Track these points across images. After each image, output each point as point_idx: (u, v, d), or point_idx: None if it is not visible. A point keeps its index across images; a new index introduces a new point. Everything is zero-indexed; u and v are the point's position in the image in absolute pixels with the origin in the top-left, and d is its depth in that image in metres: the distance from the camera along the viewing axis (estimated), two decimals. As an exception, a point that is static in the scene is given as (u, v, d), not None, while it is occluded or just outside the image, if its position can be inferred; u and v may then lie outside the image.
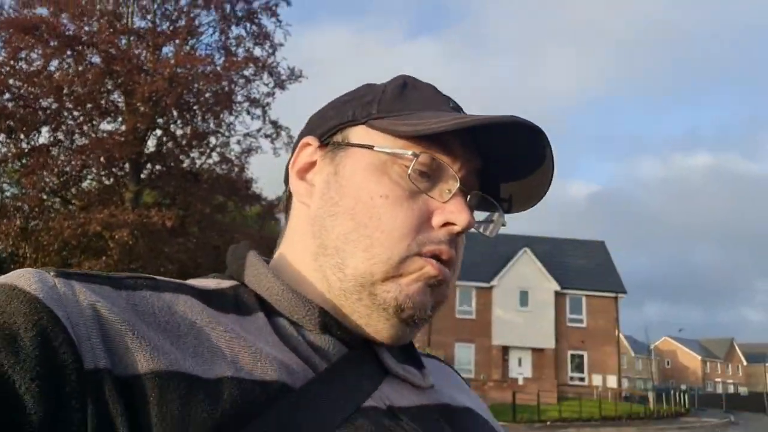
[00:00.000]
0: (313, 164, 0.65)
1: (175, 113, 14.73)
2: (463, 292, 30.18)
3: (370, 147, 0.60)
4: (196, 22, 15.59)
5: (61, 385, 0.43)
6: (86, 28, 13.84)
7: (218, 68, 14.94)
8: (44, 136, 14.12)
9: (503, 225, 0.66)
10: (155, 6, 15.35)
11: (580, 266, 30.89)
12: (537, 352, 29.63)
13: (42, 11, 13.70)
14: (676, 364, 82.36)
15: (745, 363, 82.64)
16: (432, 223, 0.59)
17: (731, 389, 70.82)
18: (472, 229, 0.63)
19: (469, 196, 0.61)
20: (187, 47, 15.37)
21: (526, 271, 29.68)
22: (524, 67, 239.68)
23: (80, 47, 13.38)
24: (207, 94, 14.68)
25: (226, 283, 0.61)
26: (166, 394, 0.45)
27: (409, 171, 0.58)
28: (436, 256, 0.58)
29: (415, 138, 0.58)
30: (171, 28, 15.37)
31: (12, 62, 12.95)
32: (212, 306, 0.55)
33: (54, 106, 13.85)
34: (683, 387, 56.23)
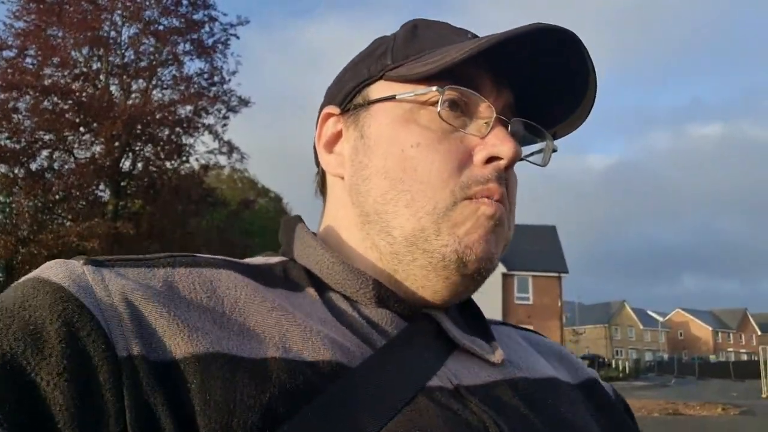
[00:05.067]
0: (338, 134, 0.61)
1: (139, 143, 18.15)
2: (420, 276, 33.10)
3: (391, 98, 0.56)
4: (158, 59, 18.86)
5: (92, 376, 0.40)
6: (61, 79, 17.26)
7: (175, 99, 18.28)
8: (38, 162, 17.60)
9: (554, 151, 0.61)
10: (123, 49, 18.67)
11: (528, 250, 33.70)
12: None
13: (29, 61, 17.14)
14: (688, 335, 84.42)
15: (759, 333, 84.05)
16: (474, 161, 0.54)
17: (744, 358, 72.56)
18: (524, 161, 0.58)
19: (509, 126, 0.55)
20: (154, 81, 18.74)
21: (476, 256, 32.74)
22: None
23: (56, 96, 16.83)
24: (164, 127, 18.02)
25: (274, 259, 0.59)
26: (208, 378, 0.42)
27: (438, 108, 0.53)
28: (486, 198, 0.53)
29: (438, 74, 0.53)
30: (136, 66, 18.69)
31: (4, 107, 16.38)
32: (258, 281, 0.52)
33: (47, 137, 17.31)
34: (662, 356, 58.47)
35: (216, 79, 19.15)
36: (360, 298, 0.55)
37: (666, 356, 67.16)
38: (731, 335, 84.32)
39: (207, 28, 19.04)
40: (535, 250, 33.91)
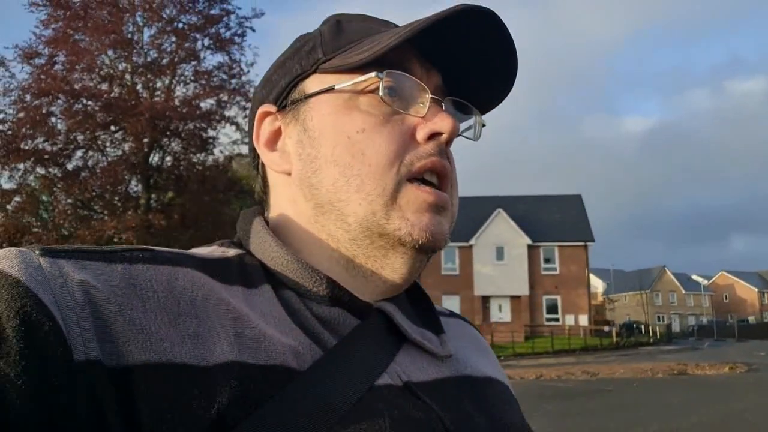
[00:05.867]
0: (278, 132, 0.62)
1: (165, 138, 19.08)
2: (447, 251, 33.74)
3: (330, 89, 0.58)
4: (179, 56, 19.68)
5: (49, 379, 0.39)
6: (90, 82, 18.22)
7: (197, 94, 19.10)
8: (73, 162, 18.69)
9: (483, 125, 0.65)
10: (146, 49, 19.53)
11: (554, 220, 34.01)
12: (514, 299, 33.42)
13: (58, 67, 18.13)
14: (733, 298, 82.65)
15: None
16: (418, 138, 0.57)
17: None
18: (460, 137, 0.62)
19: (443, 105, 0.59)
20: (176, 78, 19.58)
21: (501, 230, 33.17)
22: (546, 17, 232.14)
23: (84, 99, 17.82)
24: (187, 122, 18.90)
25: (231, 252, 0.58)
26: (157, 388, 0.42)
27: (380, 93, 0.56)
28: (429, 171, 0.57)
29: (372, 62, 0.55)
30: (158, 64, 19.54)
31: (39, 112, 17.43)
32: (216, 278, 0.52)
33: (80, 138, 18.37)
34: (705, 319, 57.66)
35: (235, 71, 19.81)
36: (313, 296, 0.56)
37: (705, 320, 66.10)
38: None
39: (223, 22, 19.67)
40: (560, 220, 34.11)
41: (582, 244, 33.38)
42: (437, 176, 0.58)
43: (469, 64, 0.61)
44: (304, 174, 0.59)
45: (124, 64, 19.21)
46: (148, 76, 19.10)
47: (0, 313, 0.40)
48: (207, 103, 19.14)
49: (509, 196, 36.54)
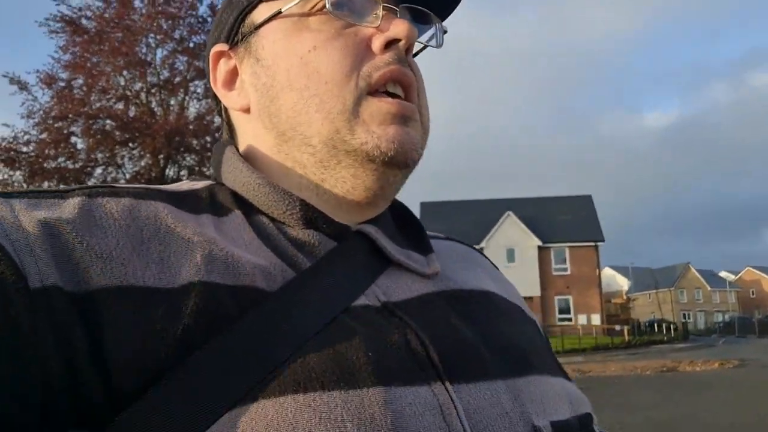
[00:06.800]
0: (234, 71, 0.61)
1: (178, 155, 19.98)
2: (458, 255, 34.23)
3: (277, 14, 0.56)
4: (189, 75, 20.56)
5: (4, 310, 0.38)
6: (106, 102, 19.20)
7: (207, 110, 19.97)
8: (94, 179, 19.62)
9: (445, 32, 0.63)
10: (158, 70, 20.44)
11: (564, 221, 34.35)
12: (526, 300, 31.51)
13: (76, 91, 19.11)
14: (760, 294, 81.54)
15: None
16: (374, 49, 0.55)
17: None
18: (425, 47, 0.60)
19: (398, 12, 0.56)
20: (188, 97, 20.48)
21: (511, 232, 33.56)
22: (554, 15, 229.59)
23: (101, 119, 18.78)
24: (200, 138, 19.78)
25: (200, 184, 0.57)
26: (120, 311, 0.41)
27: (328, 6, 0.54)
28: (392, 81, 0.54)
29: None
30: (171, 83, 20.47)
31: (60, 133, 18.42)
32: (182, 208, 0.51)
33: (99, 156, 19.33)
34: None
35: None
36: (287, 220, 0.54)
37: (728, 317, 65.33)
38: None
39: (233, 41, 20.45)
40: (570, 220, 34.42)
41: (593, 244, 33.59)
42: (401, 86, 0.56)
43: None
44: (263, 104, 0.57)
45: (139, 84, 20.10)
46: (162, 94, 19.98)
47: None
48: (218, 119, 19.86)
49: (519, 198, 37.01)
